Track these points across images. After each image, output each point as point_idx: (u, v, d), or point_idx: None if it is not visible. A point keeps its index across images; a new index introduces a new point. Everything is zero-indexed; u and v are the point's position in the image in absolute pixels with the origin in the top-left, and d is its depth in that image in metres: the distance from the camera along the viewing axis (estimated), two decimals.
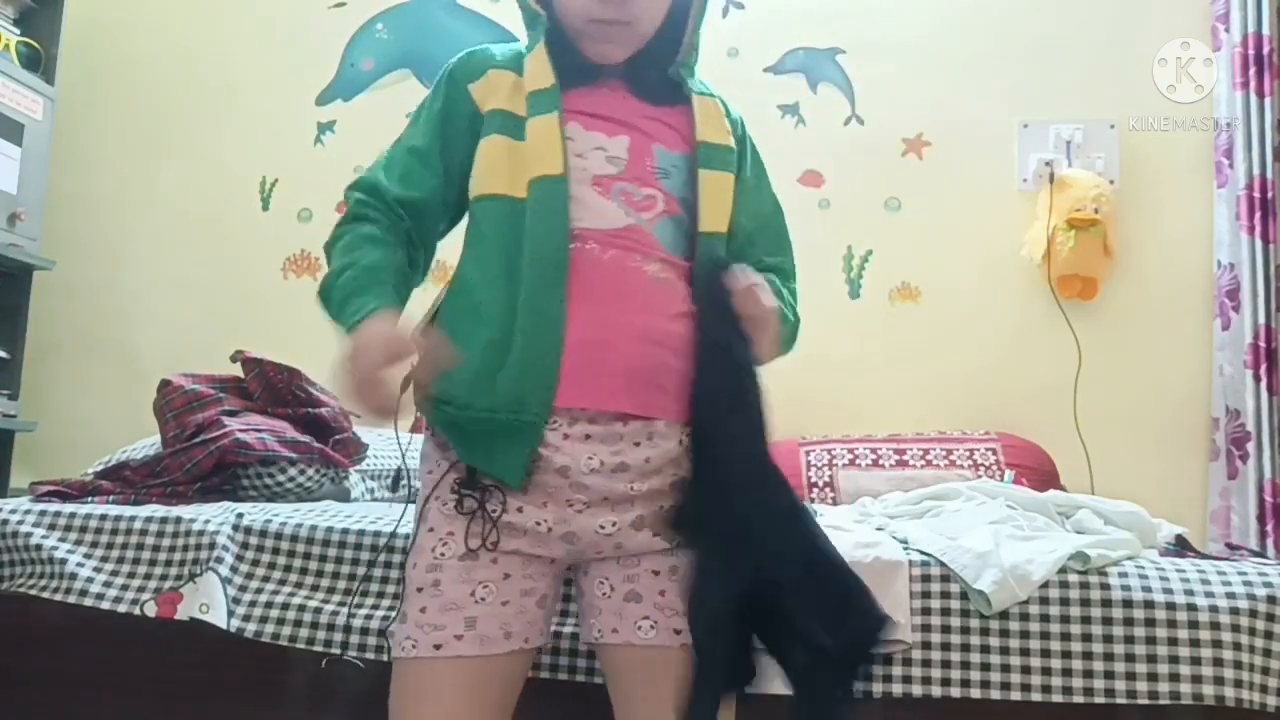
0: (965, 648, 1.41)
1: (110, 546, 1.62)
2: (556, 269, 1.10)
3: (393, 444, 2.29)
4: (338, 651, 1.50)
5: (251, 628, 1.53)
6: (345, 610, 1.52)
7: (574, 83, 1.19)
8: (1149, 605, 1.39)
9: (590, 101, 1.20)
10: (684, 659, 1.12)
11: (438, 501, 1.13)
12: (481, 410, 1.08)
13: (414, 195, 1.19)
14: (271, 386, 2.07)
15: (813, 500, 2.41)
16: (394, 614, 1.51)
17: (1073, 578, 1.42)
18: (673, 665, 1.12)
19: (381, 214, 1.19)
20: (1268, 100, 2.62)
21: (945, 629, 1.42)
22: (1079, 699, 1.37)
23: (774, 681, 1.41)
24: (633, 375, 1.10)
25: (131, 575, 1.60)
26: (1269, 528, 2.48)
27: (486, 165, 1.16)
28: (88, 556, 1.62)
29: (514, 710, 1.14)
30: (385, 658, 1.49)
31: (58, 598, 1.58)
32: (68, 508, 1.68)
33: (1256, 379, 2.53)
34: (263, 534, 1.60)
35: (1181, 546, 1.68)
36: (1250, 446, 2.52)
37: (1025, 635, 1.40)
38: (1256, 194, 2.59)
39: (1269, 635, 1.37)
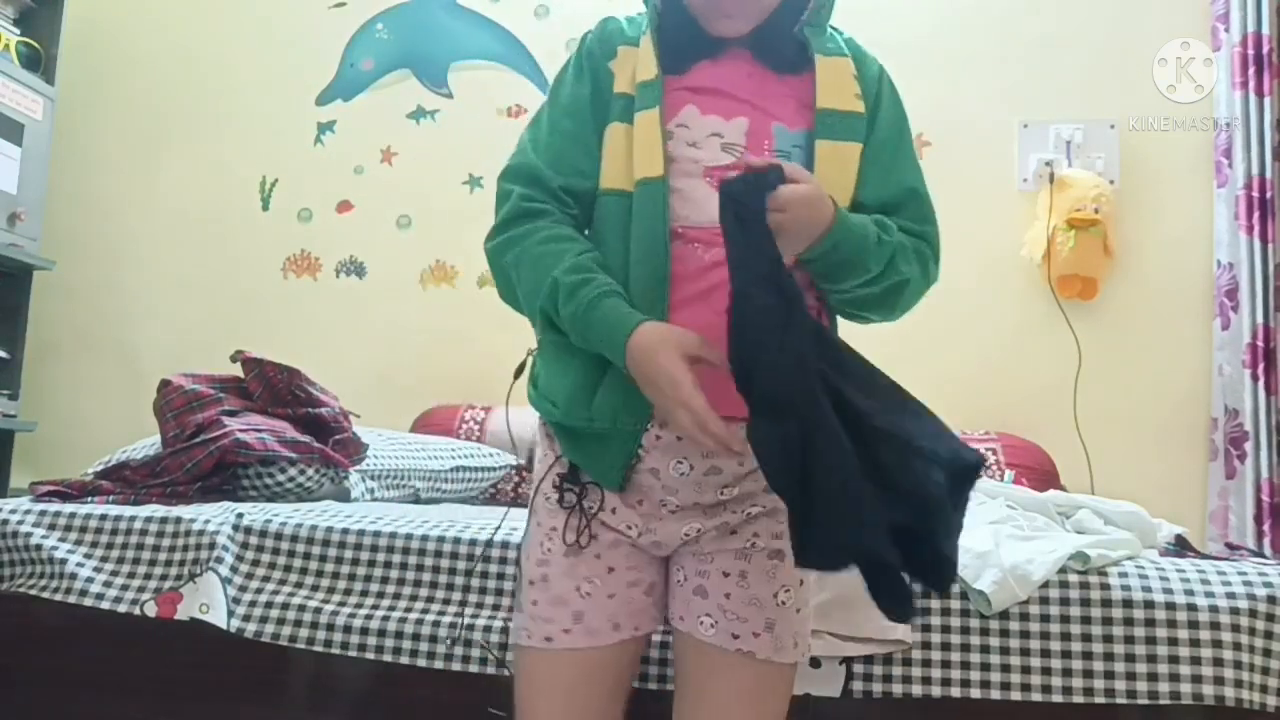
0: (965, 648, 1.41)
1: (110, 546, 1.63)
2: (656, 276, 1.07)
3: (393, 444, 2.29)
4: (337, 651, 1.50)
5: (251, 628, 1.53)
6: (363, 612, 1.52)
7: (696, 57, 1.14)
8: (1149, 605, 1.39)
9: (713, 76, 1.14)
10: (738, 664, 1.11)
11: (542, 496, 1.15)
12: (580, 420, 1.10)
13: (575, 182, 1.13)
14: (271, 386, 2.07)
15: None
16: (393, 614, 1.51)
17: (1073, 578, 1.42)
18: (739, 674, 1.11)
19: (552, 206, 1.12)
20: (1267, 100, 2.62)
21: (945, 629, 1.42)
22: (1079, 699, 1.37)
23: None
24: (722, 378, 1.03)
25: (131, 575, 1.60)
26: (1266, 527, 2.48)
27: (610, 157, 1.12)
28: (88, 556, 1.62)
29: (627, 700, 1.17)
30: (387, 658, 1.49)
31: (58, 598, 1.58)
32: (68, 508, 1.68)
33: (1254, 379, 2.53)
34: (263, 534, 1.60)
35: (1181, 546, 1.69)
36: (1248, 446, 2.52)
37: (1025, 635, 1.40)
38: (1255, 194, 2.59)
39: (1269, 635, 1.37)
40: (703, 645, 1.12)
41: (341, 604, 1.53)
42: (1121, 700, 1.36)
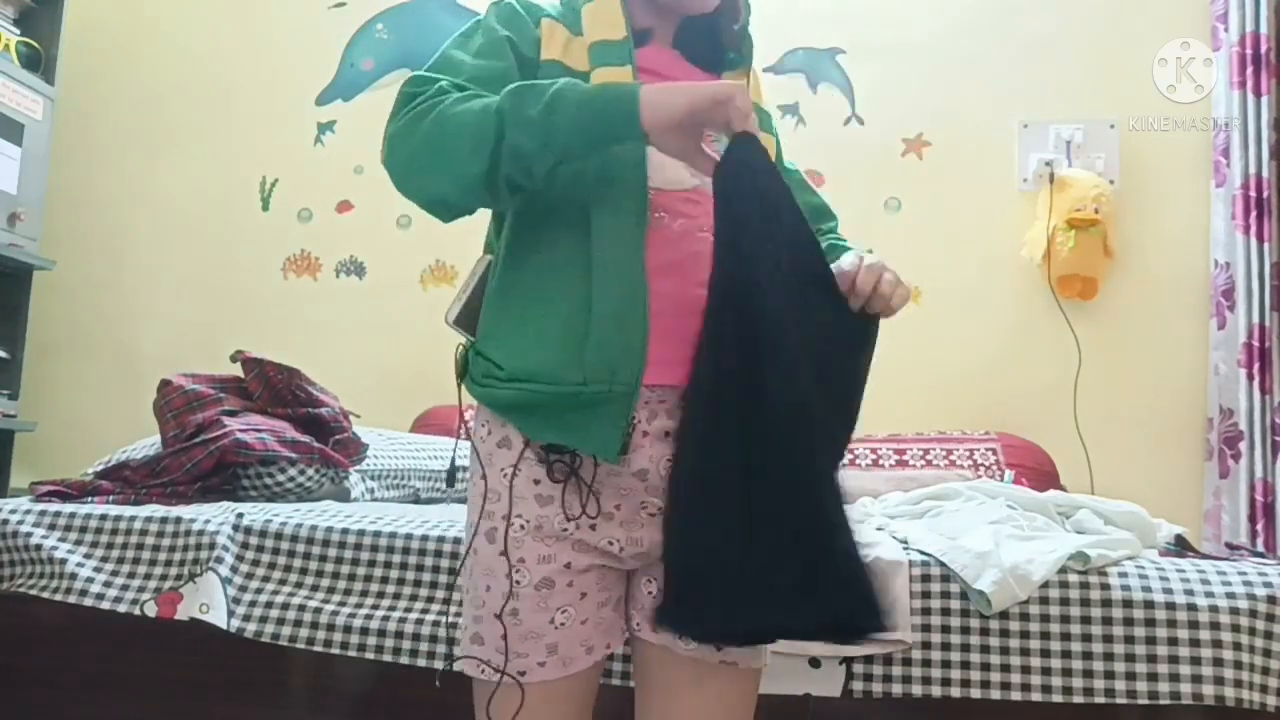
0: (965, 648, 1.41)
1: (110, 546, 1.62)
2: (635, 231, 1.02)
3: (393, 444, 2.29)
4: (337, 651, 1.50)
5: (251, 628, 1.53)
6: (363, 612, 1.52)
7: (635, 43, 1.11)
8: (1149, 605, 1.39)
9: (652, 60, 1.12)
10: (719, 674, 1.09)
11: (510, 524, 1.04)
12: (570, 385, 1.00)
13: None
14: (271, 386, 2.07)
15: None
16: (393, 614, 1.51)
17: (1073, 578, 1.42)
18: (717, 684, 1.09)
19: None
20: (1265, 99, 2.63)
21: (945, 629, 1.42)
22: (1079, 699, 1.37)
23: (775, 681, 1.41)
24: (682, 348, 1.02)
25: (131, 575, 1.60)
26: (1259, 527, 2.48)
27: None
28: (88, 556, 1.62)
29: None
30: (387, 658, 1.49)
31: (58, 598, 1.58)
32: (68, 508, 1.68)
33: (1250, 378, 2.54)
34: (263, 534, 1.60)
35: (1181, 546, 1.68)
36: (1242, 446, 2.52)
37: (1025, 635, 1.40)
38: (1253, 193, 2.59)
39: (1269, 635, 1.37)
40: (678, 658, 1.08)
41: (341, 604, 1.53)
42: (1121, 700, 1.36)
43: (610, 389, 1.00)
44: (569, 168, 0.99)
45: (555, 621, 1.04)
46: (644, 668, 1.13)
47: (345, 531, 1.58)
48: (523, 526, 1.04)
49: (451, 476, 1.22)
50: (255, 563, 1.59)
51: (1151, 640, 1.38)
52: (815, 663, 1.42)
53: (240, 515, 1.63)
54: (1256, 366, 2.53)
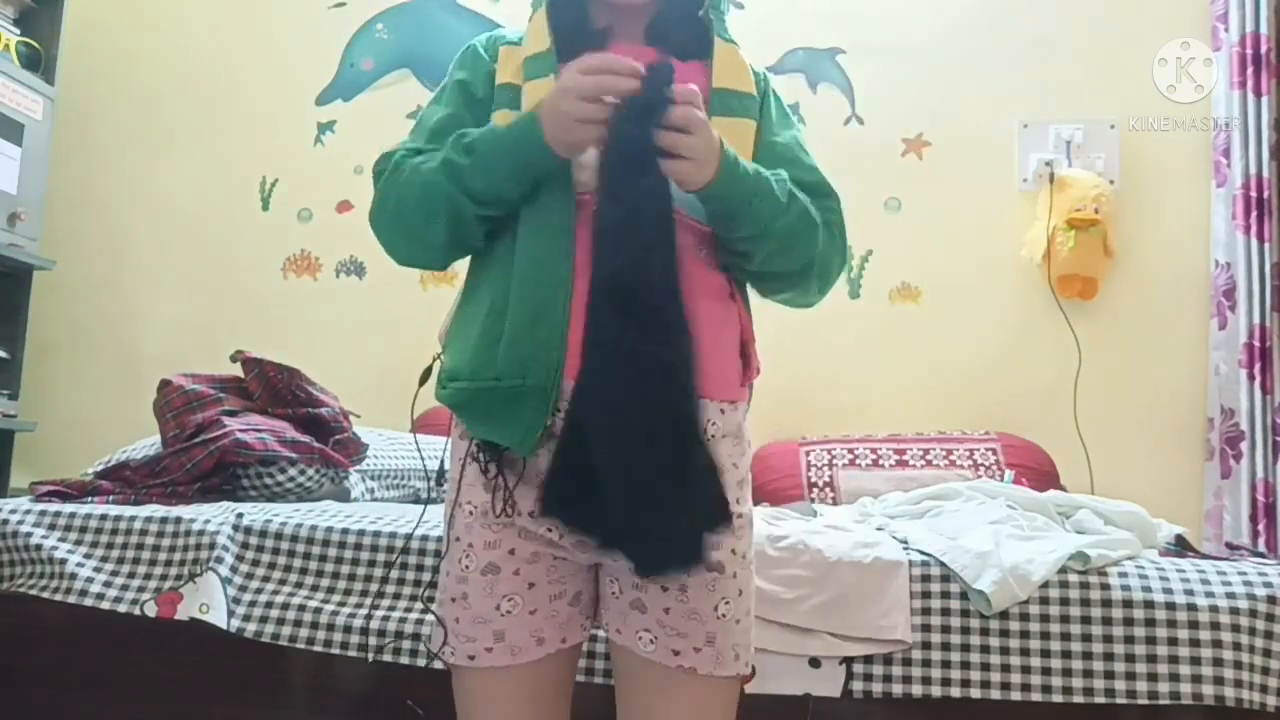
0: (965, 648, 1.41)
1: (110, 546, 1.63)
2: (556, 232, 1.05)
3: (393, 444, 2.29)
4: (337, 651, 1.50)
5: (251, 628, 1.53)
6: (363, 612, 1.52)
7: (584, 45, 1.11)
8: (1149, 605, 1.39)
9: None
10: (680, 681, 1.07)
11: (460, 509, 1.09)
12: (485, 380, 1.04)
13: None
14: (271, 386, 2.07)
15: (813, 500, 2.41)
16: (393, 614, 1.51)
17: (1073, 578, 1.42)
18: (667, 686, 1.08)
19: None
20: (1265, 100, 2.62)
21: (945, 629, 1.42)
22: (1079, 699, 1.37)
23: (775, 681, 1.41)
24: None
25: (131, 575, 1.60)
26: (1261, 527, 2.48)
27: None
28: (88, 556, 1.62)
29: (570, 703, 1.15)
30: (386, 658, 1.49)
31: (58, 598, 1.58)
32: (68, 508, 1.68)
33: (1250, 378, 2.54)
34: (263, 534, 1.60)
35: (1181, 546, 1.68)
36: (1244, 446, 2.52)
37: (1025, 635, 1.40)
38: (1253, 193, 2.59)
39: (1269, 635, 1.37)
40: (643, 661, 1.08)
41: (341, 604, 1.53)
42: (1121, 700, 1.37)
43: (524, 383, 1.02)
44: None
45: (501, 609, 1.07)
46: (619, 670, 1.14)
47: (345, 531, 1.58)
48: (470, 512, 1.08)
49: (440, 476, 1.25)
50: (255, 563, 1.59)
51: (1151, 640, 1.38)
52: (815, 663, 1.42)
53: (240, 515, 1.63)
54: (1258, 367, 2.53)
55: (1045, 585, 1.42)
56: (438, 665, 1.44)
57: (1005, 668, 1.40)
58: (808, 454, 2.56)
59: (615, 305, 0.99)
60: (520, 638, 1.08)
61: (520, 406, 1.03)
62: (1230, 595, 1.38)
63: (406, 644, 1.49)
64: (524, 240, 1.06)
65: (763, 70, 1.25)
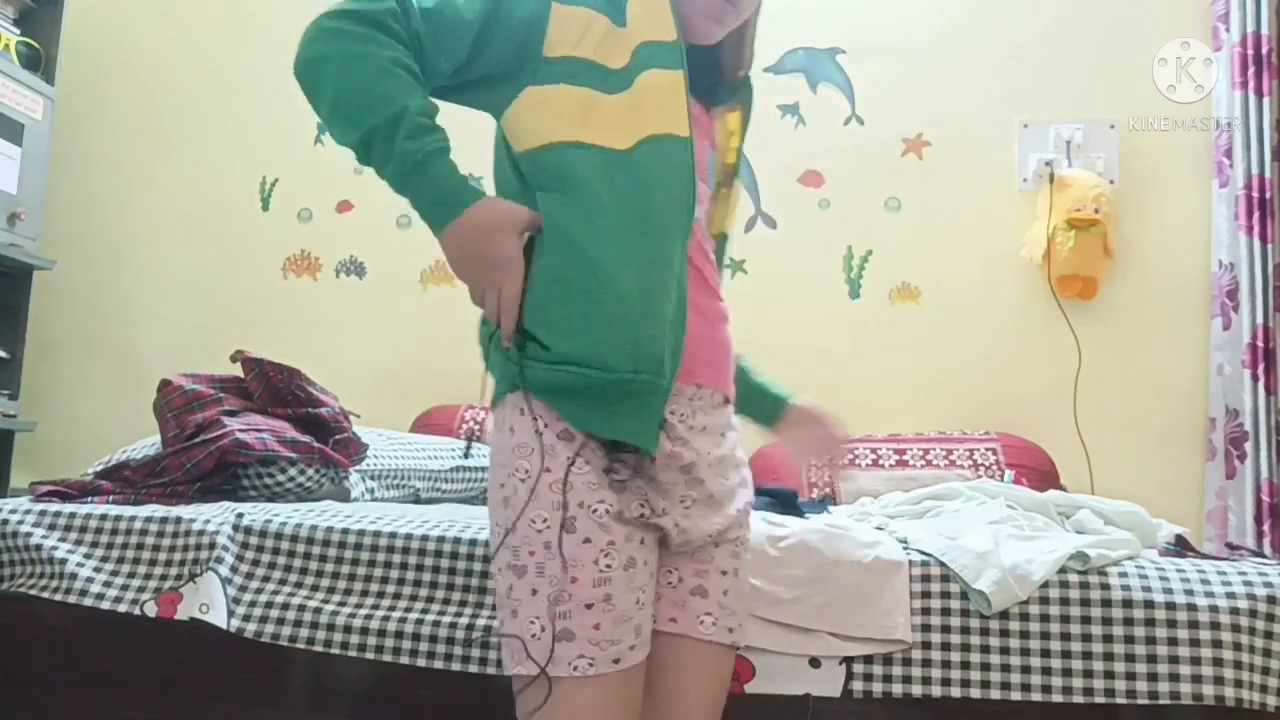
0: (965, 648, 1.41)
1: (110, 546, 1.62)
2: (679, 236, 1.06)
3: (393, 444, 2.28)
4: (337, 651, 1.50)
5: (251, 628, 1.53)
6: (348, 610, 1.52)
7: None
8: (1149, 605, 1.39)
9: None
10: (724, 655, 1.15)
11: (585, 510, 1.02)
12: (622, 372, 1.01)
13: (436, 59, 1.06)
14: (271, 386, 2.06)
15: (814, 499, 2.41)
16: (393, 614, 1.51)
17: (1073, 578, 1.42)
18: (721, 664, 1.15)
19: (405, 44, 1.05)
20: (1266, 100, 2.63)
21: (945, 629, 1.42)
22: (1079, 699, 1.37)
23: (775, 681, 1.41)
24: (696, 345, 1.10)
25: (131, 575, 1.60)
26: (1266, 527, 2.48)
27: (555, 113, 1.05)
28: (88, 556, 1.62)
29: None
30: (387, 658, 1.48)
31: (58, 598, 1.58)
32: (68, 508, 1.68)
33: (1254, 379, 2.54)
34: (263, 534, 1.60)
35: (1181, 546, 1.68)
36: (1248, 446, 2.52)
37: (1025, 635, 1.40)
38: (1255, 194, 2.59)
39: (1269, 635, 1.37)
40: (696, 644, 1.13)
41: (341, 604, 1.53)
42: (1121, 700, 1.36)
43: (656, 380, 1.03)
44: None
45: (639, 601, 1.04)
46: (662, 659, 1.13)
47: (345, 531, 1.58)
48: (607, 511, 1.03)
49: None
50: (255, 563, 1.58)
51: (1151, 640, 1.38)
52: (815, 663, 1.42)
53: (240, 515, 1.63)
54: (1261, 367, 2.53)
55: (1045, 585, 1.41)
56: (455, 667, 1.44)
57: (1005, 668, 1.40)
58: None
59: None
60: (648, 627, 1.07)
61: (647, 403, 1.03)
62: (1230, 595, 1.38)
63: (407, 644, 1.48)
64: (652, 238, 1.04)
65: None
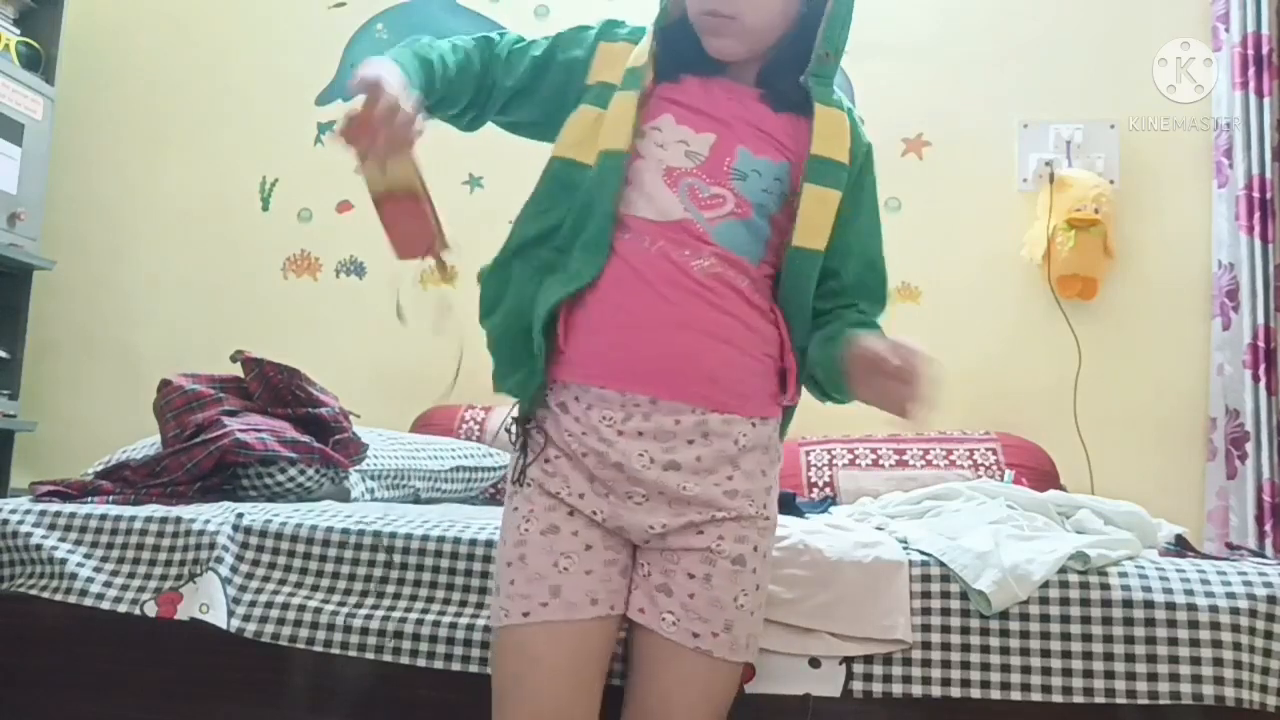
0: (965, 648, 1.41)
1: (110, 546, 1.62)
2: (597, 244, 1.18)
3: (393, 444, 2.28)
4: (337, 651, 1.50)
5: (251, 628, 1.53)
6: (348, 610, 1.52)
7: (691, 70, 1.23)
8: (1149, 605, 1.39)
9: (697, 95, 1.22)
10: (692, 660, 1.15)
11: (519, 485, 1.20)
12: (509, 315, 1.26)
13: (497, 71, 1.32)
14: (271, 386, 2.06)
15: (814, 499, 2.41)
16: (393, 614, 1.51)
17: (1073, 578, 1.42)
18: (693, 668, 1.15)
19: (471, 53, 1.34)
20: (1267, 100, 2.62)
21: (945, 629, 1.42)
22: (1079, 699, 1.37)
23: (775, 681, 1.41)
24: (667, 360, 1.14)
25: (131, 575, 1.60)
26: (1268, 528, 2.48)
27: (574, 127, 1.22)
28: (88, 556, 1.62)
29: (604, 685, 1.19)
30: (387, 658, 1.49)
31: (58, 598, 1.58)
32: (68, 508, 1.68)
33: (1255, 379, 2.54)
34: (263, 534, 1.60)
35: (1181, 546, 1.68)
36: (1249, 446, 2.52)
37: (1025, 635, 1.40)
38: (1255, 194, 2.59)
39: (1269, 635, 1.37)
40: (661, 640, 1.15)
41: (341, 604, 1.53)
42: (1121, 700, 1.36)
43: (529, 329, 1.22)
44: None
45: (559, 565, 1.13)
46: (636, 650, 1.20)
47: (345, 531, 1.58)
48: (533, 483, 1.19)
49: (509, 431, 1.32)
50: (255, 563, 1.58)
51: (1151, 640, 1.38)
52: (815, 663, 1.42)
53: (240, 515, 1.63)
54: (1262, 368, 2.53)
55: (1045, 585, 1.41)
56: (455, 667, 1.45)
57: (1005, 668, 1.40)
58: (808, 454, 2.56)
59: None
60: (576, 594, 1.13)
61: (521, 358, 1.32)
62: (1230, 595, 1.38)
63: (407, 644, 1.49)
64: (576, 244, 1.20)
65: (868, 141, 1.31)
